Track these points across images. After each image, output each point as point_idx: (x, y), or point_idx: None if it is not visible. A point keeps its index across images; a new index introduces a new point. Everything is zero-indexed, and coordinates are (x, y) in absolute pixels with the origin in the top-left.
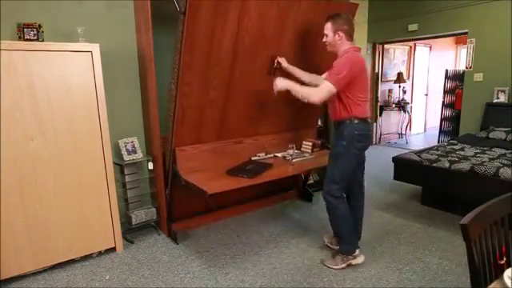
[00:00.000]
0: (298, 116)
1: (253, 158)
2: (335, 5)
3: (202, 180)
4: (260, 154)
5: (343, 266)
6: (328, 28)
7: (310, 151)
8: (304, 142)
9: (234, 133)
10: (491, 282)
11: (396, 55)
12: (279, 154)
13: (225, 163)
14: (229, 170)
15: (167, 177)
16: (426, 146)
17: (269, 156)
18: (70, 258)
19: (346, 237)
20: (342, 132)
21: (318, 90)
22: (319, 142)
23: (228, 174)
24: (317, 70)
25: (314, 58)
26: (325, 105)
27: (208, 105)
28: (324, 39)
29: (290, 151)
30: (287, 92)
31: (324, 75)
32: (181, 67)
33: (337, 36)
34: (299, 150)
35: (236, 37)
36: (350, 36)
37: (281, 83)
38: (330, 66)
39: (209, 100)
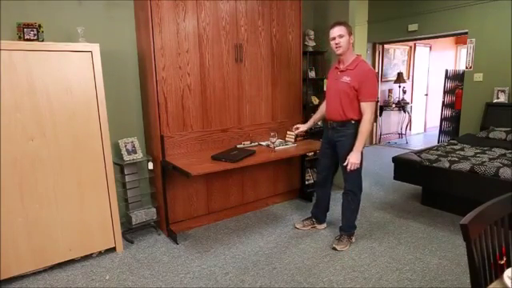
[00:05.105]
0: (281, 107)
1: (238, 146)
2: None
3: (188, 165)
4: (245, 143)
5: (348, 246)
6: (343, 30)
7: (293, 140)
8: (288, 132)
9: (219, 122)
10: (491, 282)
11: (396, 55)
12: (263, 143)
13: (211, 150)
14: (213, 155)
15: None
16: (426, 146)
17: (253, 144)
18: (70, 258)
19: (355, 220)
20: (352, 130)
21: (368, 118)
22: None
23: (212, 158)
24: (272, 47)
25: (268, 40)
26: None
27: (187, 91)
28: (337, 40)
29: (273, 139)
30: (260, 87)
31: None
32: (155, 53)
33: (351, 39)
34: (284, 139)
35: (198, 27)
36: None
37: (356, 159)
38: (281, 46)
39: (187, 86)
